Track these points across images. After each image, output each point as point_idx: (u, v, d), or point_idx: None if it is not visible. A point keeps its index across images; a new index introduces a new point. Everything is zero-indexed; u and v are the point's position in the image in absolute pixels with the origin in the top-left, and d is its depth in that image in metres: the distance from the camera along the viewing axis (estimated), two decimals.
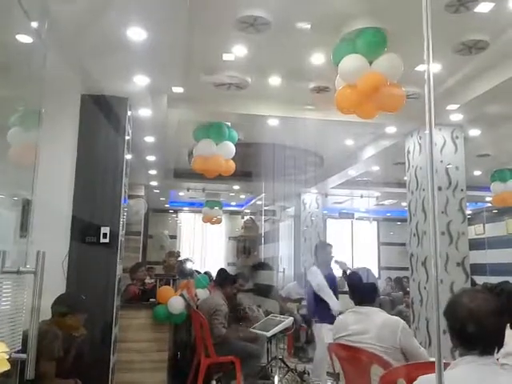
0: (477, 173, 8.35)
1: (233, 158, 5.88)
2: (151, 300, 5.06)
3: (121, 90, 4.28)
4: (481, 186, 8.68)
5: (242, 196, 11.41)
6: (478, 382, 1.58)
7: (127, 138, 4.50)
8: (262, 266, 10.15)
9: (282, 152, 7.16)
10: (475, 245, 11.20)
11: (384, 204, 11.55)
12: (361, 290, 3.06)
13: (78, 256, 3.95)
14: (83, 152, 4.22)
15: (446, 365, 1.74)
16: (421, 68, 4.38)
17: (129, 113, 4.52)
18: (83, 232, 4.01)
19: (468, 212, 11.60)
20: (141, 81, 4.12)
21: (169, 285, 5.28)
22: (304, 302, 7.60)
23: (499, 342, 1.64)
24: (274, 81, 4.78)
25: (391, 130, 5.87)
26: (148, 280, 5.96)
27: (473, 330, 1.62)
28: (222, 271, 5.72)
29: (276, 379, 5.01)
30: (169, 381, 4.90)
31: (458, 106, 4.95)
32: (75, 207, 4.07)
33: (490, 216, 11.90)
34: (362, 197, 10.67)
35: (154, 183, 9.03)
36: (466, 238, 5.38)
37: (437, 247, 1.21)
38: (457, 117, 5.28)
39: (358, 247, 12.94)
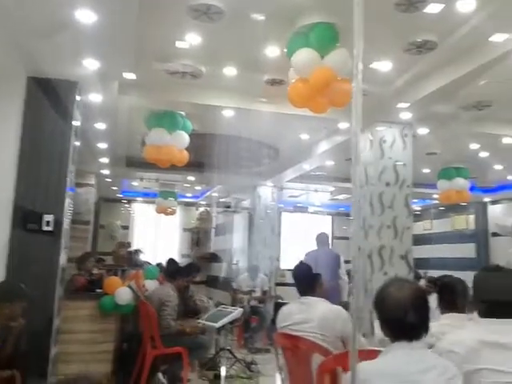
0: (426, 170, 8.61)
1: (187, 149, 5.81)
2: (98, 290, 4.96)
3: (70, 73, 4.14)
4: (429, 184, 8.95)
5: (198, 187, 11.32)
6: (411, 365, 1.64)
7: (75, 123, 4.37)
8: (213, 257, 10.15)
9: (237, 143, 7.13)
10: (423, 240, 11.63)
11: (338, 199, 11.75)
12: (304, 282, 3.12)
13: (19, 243, 3.83)
14: (28, 137, 4.08)
15: (379, 352, 1.81)
16: (373, 65, 4.47)
17: (78, 98, 4.39)
18: (25, 219, 3.88)
19: (417, 208, 12.06)
20: (91, 64, 4.00)
21: (117, 275, 5.19)
22: (254, 294, 7.67)
23: (425, 328, 1.72)
24: (229, 71, 4.74)
25: (344, 125, 5.96)
26: (96, 270, 5.82)
27: (401, 319, 1.69)
28: (171, 262, 5.64)
29: (223, 370, 5.04)
30: (114, 372, 4.83)
31: (408, 104, 5.07)
32: (17, 193, 3.93)
33: (437, 212, 12.36)
34: (316, 191, 10.82)
35: (105, 172, 8.78)
36: (410, 233, 5.55)
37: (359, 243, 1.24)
38: (406, 115, 5.41)
39: (312, 241, 13.12)
